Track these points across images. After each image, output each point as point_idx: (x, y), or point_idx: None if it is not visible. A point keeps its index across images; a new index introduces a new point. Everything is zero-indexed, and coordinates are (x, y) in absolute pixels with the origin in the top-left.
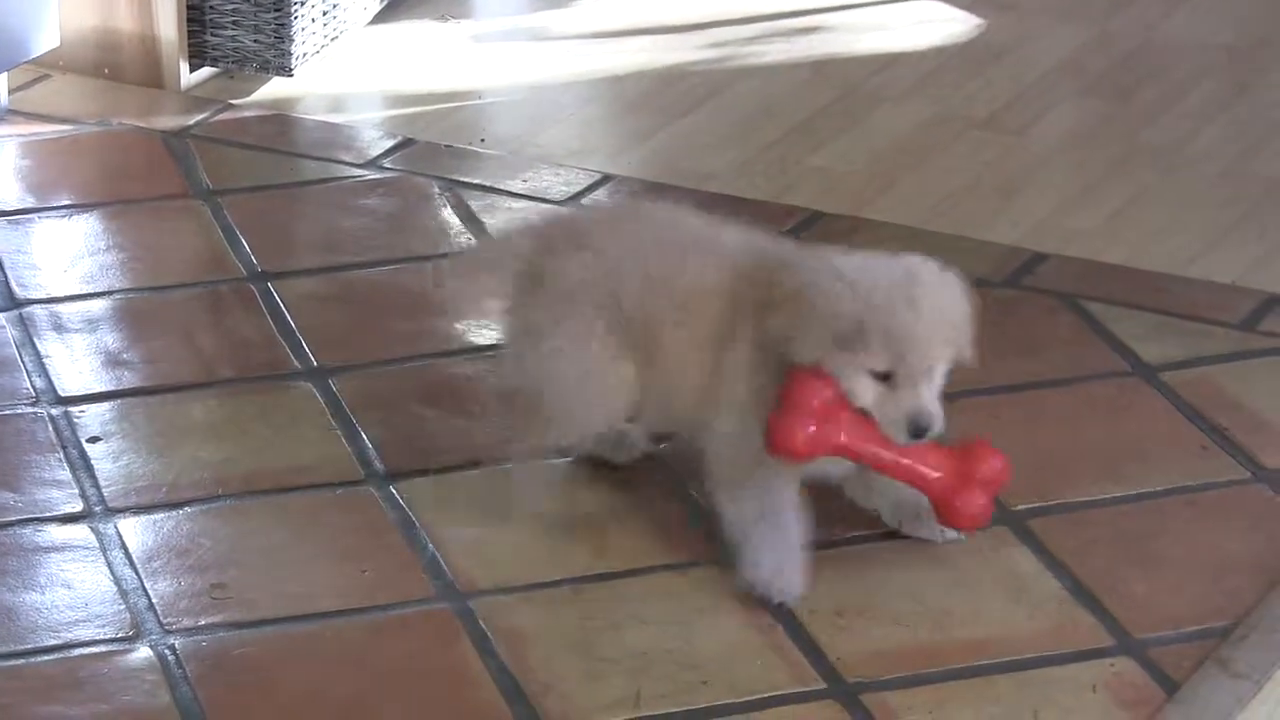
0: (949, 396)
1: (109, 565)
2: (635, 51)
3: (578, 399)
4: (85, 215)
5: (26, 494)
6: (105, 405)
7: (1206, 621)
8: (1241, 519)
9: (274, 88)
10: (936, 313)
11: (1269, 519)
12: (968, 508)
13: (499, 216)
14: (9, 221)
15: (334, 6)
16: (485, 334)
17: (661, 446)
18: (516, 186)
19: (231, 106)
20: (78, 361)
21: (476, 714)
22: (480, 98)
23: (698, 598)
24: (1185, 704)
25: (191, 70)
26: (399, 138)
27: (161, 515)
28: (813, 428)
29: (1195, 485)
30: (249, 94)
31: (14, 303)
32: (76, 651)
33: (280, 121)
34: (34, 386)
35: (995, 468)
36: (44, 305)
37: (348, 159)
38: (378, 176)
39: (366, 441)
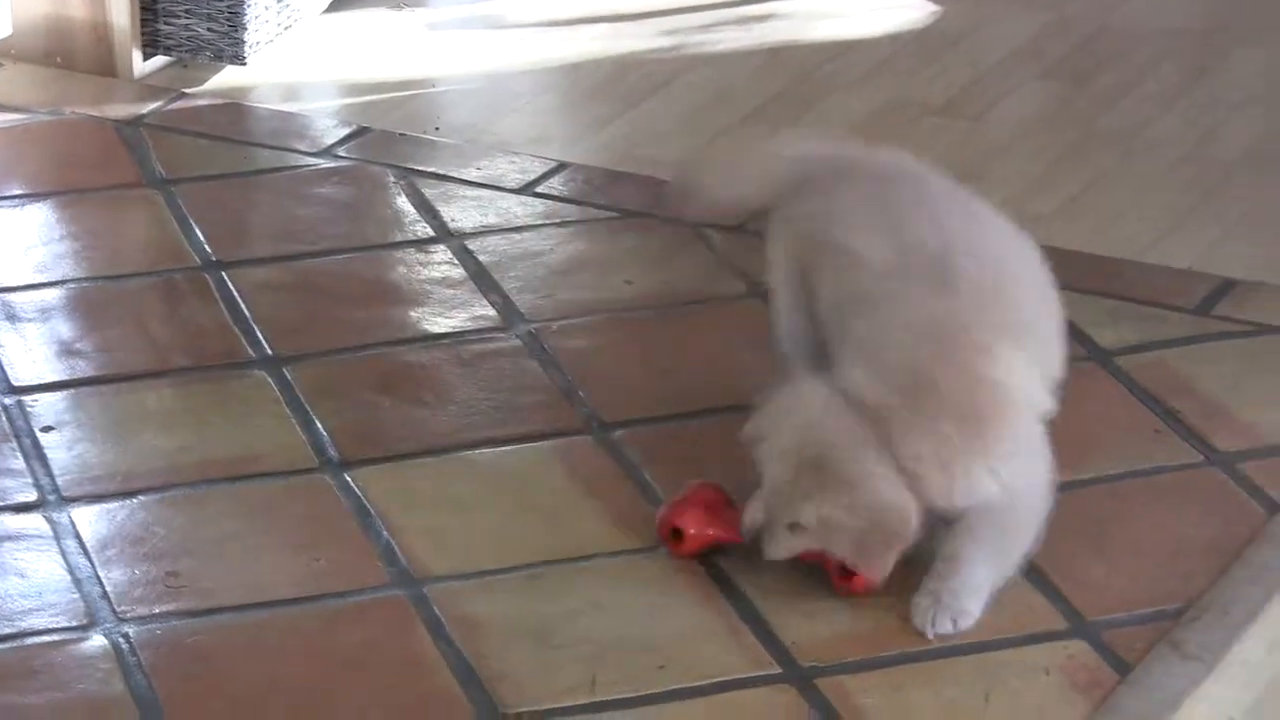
0: None
1: (63, 554)
2: (591, 39)
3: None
4: (38, 204)
5: None
6: (59, 395)
7: (1159, 604)
8: (1194, 502)
9: (228, 76)
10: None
11: (1221, 502)
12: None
13: (454, 205)
14: None
15: None
16: (440, 322)
17: (617, 435)
18: (471, 175)
19: (185, 95)
20: (31, 351)
21: (431, 701)
22: (435, 86)
23: (653, 583)
24: (1137, 685)
25: (144, 59)
26: (353, 126)
27: (115, 504)
28: (693, 530)
29: (1149, 469)
30: (202, 83)
31: None
32: (30, 640)
33: (234, 110)
34: None
35: (859, 585)
36: None
37: (302, 148)
38: (332, 165)
39: (321, 429)
